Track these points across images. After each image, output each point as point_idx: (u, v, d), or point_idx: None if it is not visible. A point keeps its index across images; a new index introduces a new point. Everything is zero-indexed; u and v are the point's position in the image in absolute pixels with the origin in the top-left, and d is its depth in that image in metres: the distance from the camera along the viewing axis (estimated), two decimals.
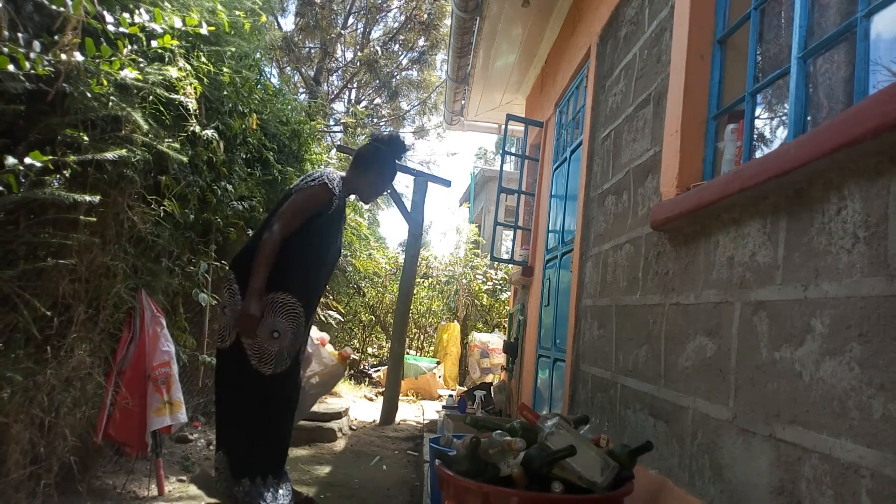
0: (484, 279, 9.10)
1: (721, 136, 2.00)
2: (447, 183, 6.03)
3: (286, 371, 2.55)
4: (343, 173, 2.78)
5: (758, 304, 1.53)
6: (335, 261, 2.83)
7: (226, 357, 2.53)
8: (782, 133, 1.96)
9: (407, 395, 7.02)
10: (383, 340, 9.58)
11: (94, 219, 2.60)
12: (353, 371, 8.04)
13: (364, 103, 15.77)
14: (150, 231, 3.00)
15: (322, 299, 7.83)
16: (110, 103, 2.61)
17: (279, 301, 2.48)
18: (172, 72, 2.92)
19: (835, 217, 1.29)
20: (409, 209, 5.79)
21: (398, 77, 15.61)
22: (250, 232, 4.45)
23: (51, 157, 2.18)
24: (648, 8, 2.55)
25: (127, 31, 2.47)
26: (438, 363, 7.67)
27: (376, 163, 2.81)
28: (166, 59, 2.97)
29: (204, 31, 2.83)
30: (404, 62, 15.68)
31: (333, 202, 2.63)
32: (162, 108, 2.98)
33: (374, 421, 5.50)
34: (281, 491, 2.54)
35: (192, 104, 3.18)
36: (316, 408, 4.84)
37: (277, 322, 2.47)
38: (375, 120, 15.91)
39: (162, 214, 3.12)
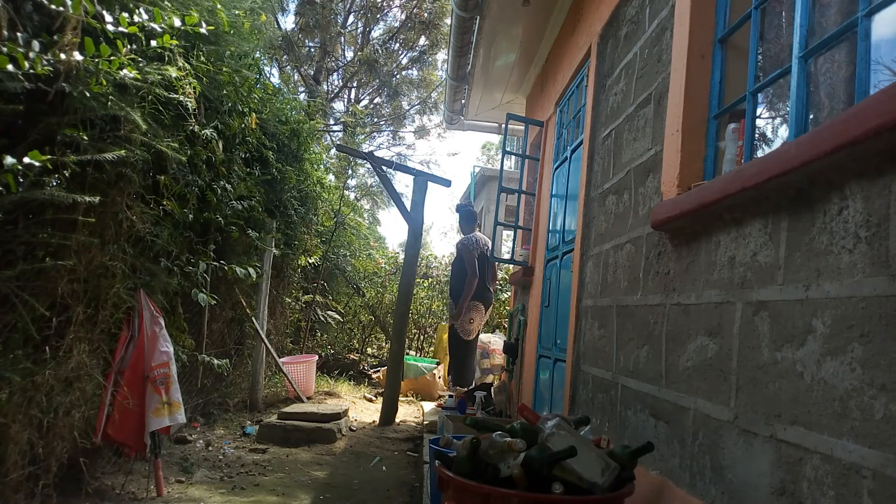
0: None
1: (722, 136, 1.99)
2: (447, 183, 6.03)
3: (472, 339, 5.72)
4: (474, 234, 5.80)
5: (759, 304, 1.53)
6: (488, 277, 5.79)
7: (451, 332, 5.72)
8: (784, 132, 1.95)
9: (407, 396, 7.01)
10: (383, 341, 9.57)
11: (93, 219, 2.59)
12: (352, 372, 8.03)
13: (364, 102, 15.76)
14: (148, 231, 3.00)
15: (321, 299, 7.85)
16: (109, 103, 2.61)
17: (473, 305, 5.60)
18: (171, 71, 2.91)
19: (836, 217, 1.28)
20: (409, 209, 5.79)
21: (398, 76, 15.60)
22: (250, 231, 4.45)
23: (50, 157, 2.18)
24: (649, 7, 2.55)
25: (126, 30, 2.47)
26: (438, 364, 7.66)
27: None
28: (165, 59, 2.96)
29: (203, 30, 2.83)
30: (404, 61, 15.67)
31: (477, 250, 5.62)
32: (161, 108, 2.97)
33: (374, 422, 5.49)
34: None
35: (191, 103, 3.18)
36: (315, 409, 4.85)
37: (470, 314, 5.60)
38: (376, 119, 15.90)
39: (161, 214, 3.12)
